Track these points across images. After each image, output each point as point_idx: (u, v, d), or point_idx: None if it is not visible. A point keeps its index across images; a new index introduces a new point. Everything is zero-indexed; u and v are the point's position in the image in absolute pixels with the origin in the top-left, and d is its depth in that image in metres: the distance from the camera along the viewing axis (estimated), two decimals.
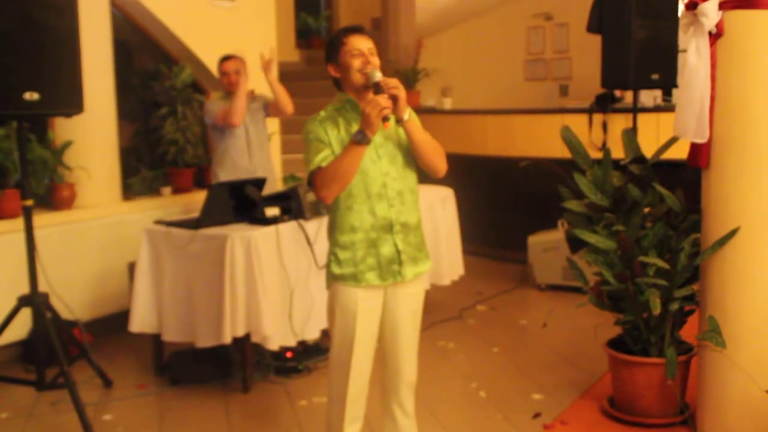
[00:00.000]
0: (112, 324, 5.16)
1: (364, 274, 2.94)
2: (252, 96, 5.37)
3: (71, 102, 3.83)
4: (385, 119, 2.74)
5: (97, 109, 5.40)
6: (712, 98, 3.45)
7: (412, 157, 2.99)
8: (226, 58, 5.31)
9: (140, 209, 5.67)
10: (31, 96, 3.65)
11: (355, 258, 2.94)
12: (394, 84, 2.80)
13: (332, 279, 3.00)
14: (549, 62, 10.01)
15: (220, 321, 4.18)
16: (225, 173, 5.19)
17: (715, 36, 3.44)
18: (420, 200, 3.11)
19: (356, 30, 2.93)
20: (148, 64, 6.49)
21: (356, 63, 2.87)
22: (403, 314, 3.06)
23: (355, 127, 2.88)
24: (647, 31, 6.14)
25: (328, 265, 3.03)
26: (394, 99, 2.78)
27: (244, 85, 5.19)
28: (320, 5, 11.18)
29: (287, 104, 5.34)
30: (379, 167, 2.92)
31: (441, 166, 3.01)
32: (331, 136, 2.89)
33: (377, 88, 2.78)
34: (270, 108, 5.42)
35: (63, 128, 5.32)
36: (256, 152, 5.31)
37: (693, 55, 3.48)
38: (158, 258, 4.49)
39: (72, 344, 4.38)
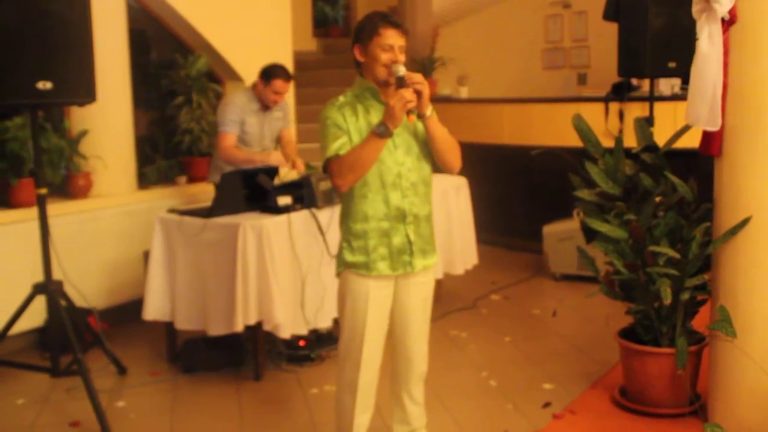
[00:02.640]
0: (128, 312, 5.20)
1: (376, 263, 2.96)
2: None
3: (83, 91, 3.86)
4: (409, 112, 2.76)
5: (113, 99, 5.45)
6: (725, 86, 3.42)
7: (427, 149, 3.01)
8: (286, 77, 5.10)
9: (155, 198, 5.71)
10: (44, 85, 3.67)
11: (368, 247, 2.95)
12: (419, 80, 2.82)
13: (343, 266, 3.02)
14: (567, 51, 9.93)
15: (232, 309, 4.20)
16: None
17: (728, 23, 3.40)
18: (434, 189, 3.13)
19: (394, 24, 2.89)
20: (165, 53, 6.52)
21: (384, 57, 2.86)
22: (414, 303, 3.09)
23: (374, 115, 2.90)
24: (664, 19, 6.07)
25: (339, 252, 3.05)
26: (418, 94, 2.80)
27: (269, 157, 5.06)
28: None
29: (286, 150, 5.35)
30: (395, 157, 2.93)
31: (456, 163, 3.04)
32: (349, 123, 2.89)
33: (401, 83, 2.79)
34: (283, 130, 5.39)
35: (79, 117, 5.36)
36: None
37: (705, 42, 3.44)
38: (171, 246, 4.51)
39: (87, 332, 4.42)
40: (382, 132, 2.78)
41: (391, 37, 2.87)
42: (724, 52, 3.41)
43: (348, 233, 3.00)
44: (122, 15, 5.57)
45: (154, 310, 4.52)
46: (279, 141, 5.36)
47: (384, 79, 2.89)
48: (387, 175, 2.92)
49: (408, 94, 2.75)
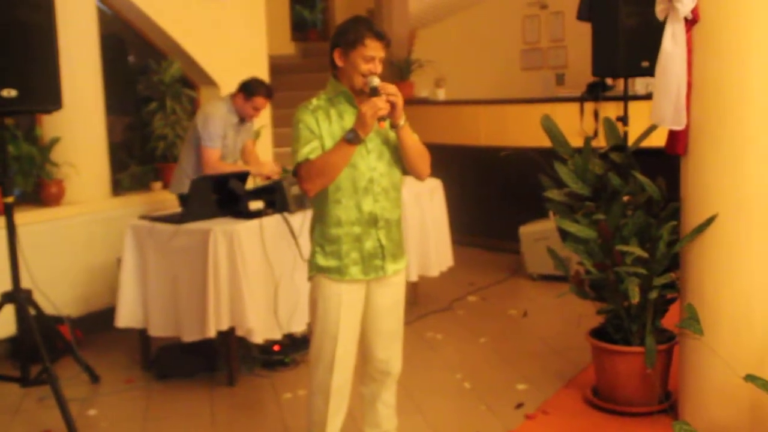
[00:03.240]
0: (102, 320, 5.15)
1: (348, 268, 2.98)
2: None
3: (50, 98, 3.84)
4: (380, 119, 2.78)
5: (85, 105, 5.43)
6: (689, 85, 3.43)
7: (398, 154, 3.02)
8: (268, 94, 5.10)
9: (129, 205, 5.69)
10: (8, 93, 3.65)
11: (340, 251, 2.97)
12: (393, 91, 2.83)
13: (316, 270, 3.03)
14: (545, 51, 9.97)
15: (204, 315, 4.19)
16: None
17: (691, 22, 3.41)
18: (408, 192, 3.14)
19: (379, 36, 2.89)
20: (140, 58, 6.50)
21: (364, 68, 2.87)
22: (385, 306, 3.10)
23: (347, 120, 2.90)
24: (636, 19, 6.09)
25: (311, 257, 3.05)
26: (392, 105, 2.82)
27: (263, 168, 5.13)
28: None
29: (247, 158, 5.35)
30: (368, 162, 2.94)
31: (426, 171, 3.07)
32: (322, 127, 2.90)
33: (374, 93, 2.80)
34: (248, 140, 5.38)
35: (51, 124, 5.33)
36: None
37: (669, 42, 3.46)
38: (143, 253, 4.49)
39: (59, 340, 4.39)
40: (352, 139, 2.79)
41: (375, 49, 2.88)
42: (688, 52, 3.42)
43: (321, 238, 3.01)
44: (93, 21, 5.54)
45: (126, 317, 4.50)
46: (242, 151, 5.33)
47: (360, 88, 2.90)
48: (360, 181, 2.93)
49: (380, 102, 2.77)
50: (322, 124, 2.90)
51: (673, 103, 3.45)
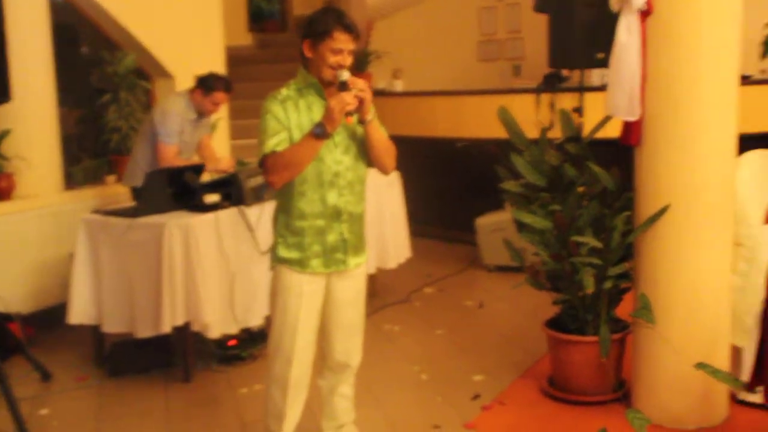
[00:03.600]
0: (55, 316, 5.05)
1: (310, 260, 2.98)
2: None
3: None
4: (347, 114, 2.77)
5: (36, 97, 5.33)
6: (643, 76, 3.46)
7: (364, 148, 3.01)
8: (227, 88, 5.01)
9: (82, 199, 5.58)
10: None
11: (303, 243, 2.97)
12: (362, 86, 2.83)
13: (277, 261, 3.03)
14: (502, 42, 9.98)
15: (159, 310, 4.13)
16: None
17: (644, 13, 3.44)
18: (366, 184, 3.13)
19: (347, 28, 2.87)
20: (93, 49, 6.38)
21: (333, 60, 2.85)
22: (346, 299, 3.11)
23: (316, 112, 2.90)
24: (592, 11, 6.14)
25: (274, 247, 3.05)
26: (360, 100, 2.81)
27: (218, 163, 5.08)
28: None
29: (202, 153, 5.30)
30: (334, 156, 2.94)
31: (391, 166, 3.08)
32: (291, 118, 2.89)
33: (343, 87, 2.80)
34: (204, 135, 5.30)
35: (0, 117, 5.21)
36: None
37: (623, 33, 3.49)
38: (96, 248, 4.41)
39: (8, 338, 4.30)
40: (319, 133, 2.79)
41: (343, 41, 2.86)
42: (642, 43, 3.45)
43: (284, 229, 3.01)
44: (44, 11, 5.43)
45: (79, 313, 4.42)
46: (198, 147, 5.26)
47: (329, 80, 2.89)
48: (325, 174, 2.92)
49: (348, 97, 2.77)
50: (291, 115, 2.89)
51: (628, 94, 3.48)
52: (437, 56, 10.00)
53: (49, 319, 5.07)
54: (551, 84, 6.81)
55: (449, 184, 7.45)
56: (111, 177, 5.98)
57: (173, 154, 4.90)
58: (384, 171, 3.07)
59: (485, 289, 5.92)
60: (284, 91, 2.93)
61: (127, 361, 4.46)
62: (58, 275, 5.17)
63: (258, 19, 10.52)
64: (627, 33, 3.48)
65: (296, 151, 2.83)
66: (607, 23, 6.13)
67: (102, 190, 5.84)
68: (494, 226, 6.32)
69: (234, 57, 7.45)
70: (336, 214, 2.96)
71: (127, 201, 5.38)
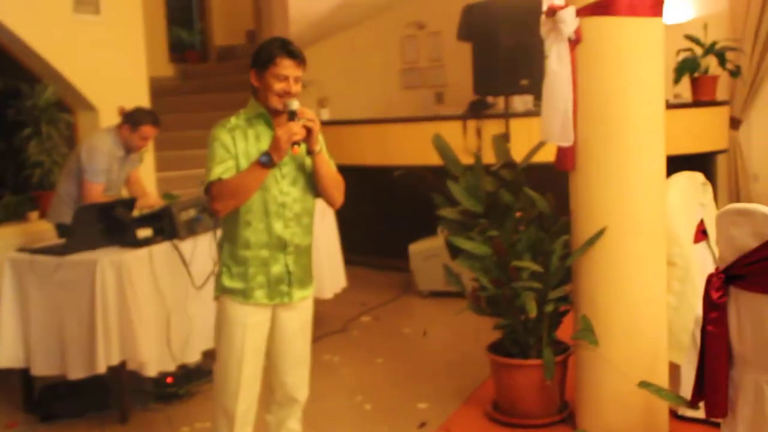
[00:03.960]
0: None
1: (254, 291, 2.95)
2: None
3: None
4: (294, 144, 2.76)
5: None
6: (575, 103, 3.55)
7: (313, 181, 3.00)
8: (155, 122, 4.93)
9: (4, 237, 5.37)
10: None
11: (247, 274, 2.94)
12: (310, 117, 2.82)
13: (221, 291, 2.99)
14: (424, 71, 10.10)
15: (93, 350, 4.00)
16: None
17: (574, 42, 3.53)
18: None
19: (291, 54, 2.86)
20: (6, 82, 6.18)
21: (278, 87, 2.84)
22: (291, 331, 3.07)
23: (263, 141, 2.88)
24: (514, 38, 6.30)
25: (218, 276, 3.01)
26: (308, 130, 2.80)
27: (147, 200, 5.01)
28: (193, 18, 10.97)
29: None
30: (281, 187, 2.92)
31: (339, 199, 3.07)
32: (238, 148, 2.87)
33: (292, 117, 2.79)
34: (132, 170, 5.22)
35: None
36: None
37: (554, 61, 3.57)
38: (23, 288, 4.24)
39: None
40: (265, 162, 2.77)
41: (287, 68, 2.85)
42: (573, 71, 3.54)
43: (228, 258, 2.97)
44: None
45: (6, 357, 4.21)
46: (127, 182, 5.15)
47: (276, 108, 2.87)
48: (271, 204, 2.90)
49: (296, 127, 2.76)
50: (239, 144, 2.87)
51: (561, 120, 3.56)
52: (361, 84, 10.06)
53: None
54: (477, 111, 6.92)
55: (378, 212, 7.47)
56: (33, 213, 5.78)
57: (99, 192, 4.79)
58: (332, 204, 3.07)
59: (421, 316, 5.95)
60: (233, 120, 2.92)
61: (60, 405, 4.28)
62: None
63: (178, 49, 10.40)
64: (558, 61, 3.56)
65: (242, 179, 2.81)
66: (530, 51, 6.38)
67: (25, 227, 5.64)
68: (427, 252, 6.36)
69: (156, 88, 7.34)
70: (281, 246, 2.93)
71: (51, 238, 5.20)
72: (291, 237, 2.94)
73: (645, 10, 3.48)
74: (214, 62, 10.57)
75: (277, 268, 2.95)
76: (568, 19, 3.48)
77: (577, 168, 3.61)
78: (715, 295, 2.52)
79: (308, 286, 3.09)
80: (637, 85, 3.50)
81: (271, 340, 3.03)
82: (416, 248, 6.50)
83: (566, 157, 3.62)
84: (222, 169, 2.82)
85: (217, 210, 2.86)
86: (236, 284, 2.94)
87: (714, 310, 2.53)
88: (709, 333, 2.55)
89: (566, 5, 3.50)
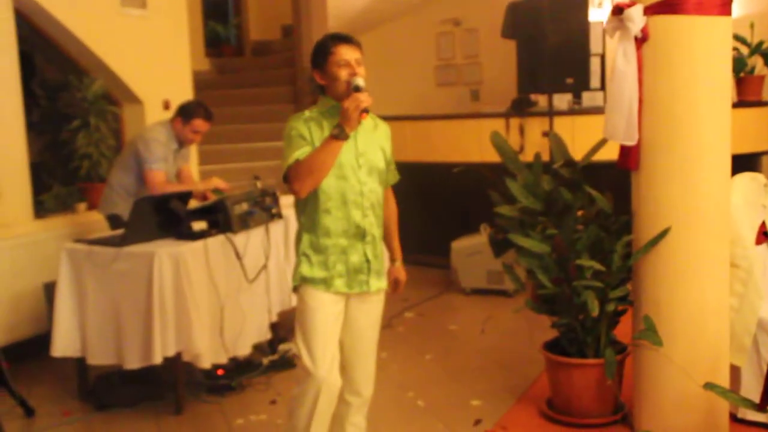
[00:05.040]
0: (29, 349, 4.92)
1: (334, 279, 2.98)
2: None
3: None
4: (363, 111, 2.78)
5: (5, 123, 5.17)
6: (640, 101, 3.52)
7: (384, 177, 3.08)
8: (207, 116, 4.96)
9: (54, 227, 5.43)
10: None
11: (327, 262, 2.98)
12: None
13: (301, 280, 3.01)
14: (459, 67, 10.09)
15: (149, 341, 4.03)
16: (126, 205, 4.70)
17: (640, 40, 3.51)
18: None
19: (344, 39, 2.93)
20: (54, 75, 6.23)
21: (343, 73, 2.90)
22: (364, 324, 3.10)
23: None
24: (560, 36, 6.27)
25: (297, 266, 3.04)
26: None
27: (209, 182, 5.04)
28: (229, 13, 11.00)
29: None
30: (359, 176, 2.97)
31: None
32: (314, 135, 2.92)
33: (357, 91, 2.82)
34: (183, 165, 5.24)
35: None
36: None
37: (621, 59, 3.54)
38: (80, 278, 4.28)
39: None
40: (338, 134, 2.79)
41: (346, 52, 2.91)
42: (639, 69, 3.51)
43: (308, 247, 3.00)
44: (11, 36, 5.28)
45: (63, 346, 4.27)
46: (178, 176, 5.18)
47: (346, 93, 2.88)
48: (349, 193, 2.95)
49: (362, 95, 2.78)
50: (315, 133, 2.92)
51: (626, 119, 3.53)
52: (396, 81, 10.05)
53: (22, 352, 4.91)
54: (520, 108, 6.90)
55: (419, 209, 7.45)
56: (81, 204, 5.82)
57: (162, 179, 4.84)
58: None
59: (465, 313, 5.94)
60: (307, 113, 2.98)
61: (114, 394, 4.32)
62: (33, 306, 5.02)
63: (214, 43, 10.42)
64: (624, 60, 3.54)
65: (317, 154, 2.83)
66: (575, 48, 6.36)
67: (73, 218, 5.68)
68: (470, 250, 6.35)
69: (194, 82, 7.38)
70: (360, 234, 2.98)
71: (100, 228, 5.26)
72: (369, 227, 2.99)
73: (713, 8, 3.44)
74: (250, 57, 10.59)
75: (355, 257, 2.98)
76: (636, 18, 3.46)
77: (640, 167, 3.59)
78: None
79: (383, 276, 3.12)
80: (704, 85, 3.47)
81: (343, 332, 3.05)
82: (458, 245, 6.50)
83: (630, 155, 3.60)
84: (299, 153, 2.86)
85: (296, 191, 2.89)
86: (317, 273, 2.98)
87: None
88: None
89: (633, 3, 3.48)
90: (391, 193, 3.30)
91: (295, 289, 3.06)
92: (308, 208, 2.99)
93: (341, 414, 3.19)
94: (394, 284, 3.27)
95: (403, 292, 3.36)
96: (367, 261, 3.00)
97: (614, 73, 3.56)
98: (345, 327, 3.06)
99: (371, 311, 3.10)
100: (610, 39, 3.62)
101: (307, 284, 2.99)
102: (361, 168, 2.97)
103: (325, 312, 2.97)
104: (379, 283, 3.08)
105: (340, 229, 2.95)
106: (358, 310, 3.06)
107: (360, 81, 2.85)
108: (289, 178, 2.88)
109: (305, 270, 3.00)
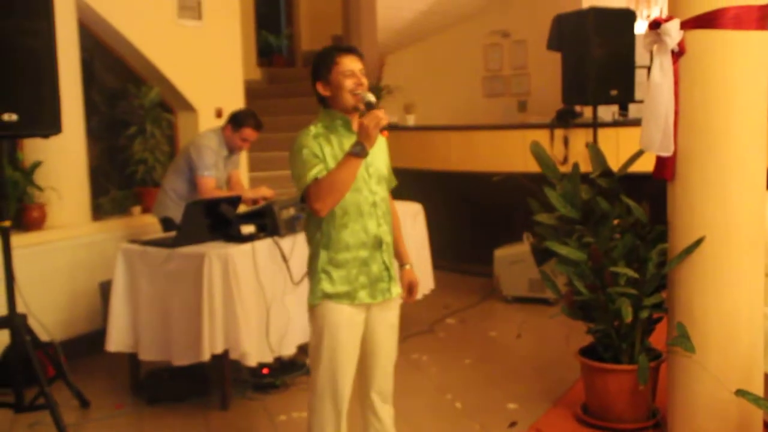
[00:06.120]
0: (85, 344, 5.15)
1: (357, 292, 3.00)
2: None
3: (49, 123, 3.87)
4: (383, 129, 2.82)
5: (66, 129, 5.37)
6: (676, 113, 3.59)
7: (386, 182, 3.14)
8: (257, 126, 5.14)
9: (110, 229, 5.68)
10: (9, 117, 3.66)
11: (350, 276, 2.99)
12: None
13: (322, 297, 2.99)
14: (507, 78, 10.20)
15: (198, 339, 4.21)
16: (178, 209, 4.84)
17: (677, 54, 3.58)
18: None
19: (349, 50, 2.99)
20: (112, 82, 6.50)
21: (348, 83, 2.93)
22: (384, 330, 3.12)
23: (346, 145, 2.94)
24: (605, 48, 6.33)
25: (315, 285, 3.02)
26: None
27: (257, 191, 5.22)
28: (281, 23, 11.26)
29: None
30: (370, 186, 3.01)
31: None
32: (326, 152, 2.93)
33: (370, 107, 2.86)
34: (232, 171, 5.43)
35: (32, 148, 5.31)
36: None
37: (657, 72, 3.62)
38: (134, 277, 4.50)
39: (50, 365, 4.36)
40: (358, 152, 2.81)
41: (350, 63, 2.95)
42: (675, 82, 3.59)
43: (327, 264, 2.99)
44: (75, 44, 5.55)
45: (117, 341, 4.49)
46: (228, 182, 5.38)
47: (353, 106, 2.96)
48: (364, 205, 2.99)
49: (380, 113, 2.81)
50: (325, 149, 2.94)
51: (662, 130, 3.60)
52: (443, 91, 10.21)
53: (79, 347, 5.14)
54: (565, 119, 6.97)
55: (462, 217, 7.57)
56: (137, 208, 6.07)
57: (212, 186, 5.04)
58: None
59: (506, 320, 6.02)
60: (313, 129, 2.99)
61: (163, 389, 4.51)
62: (89, 304, 5.26)
63: (266, 53, 10.69)
64: (661, 73, 3.61)
65: (337, 173, 2.84)
66: (620, 61, 6.41)
67: (129, 220, 5.93)
68: (512, 258, 6.43)
69: (246, 91, 7.60)
70: (377, 244, 3.01)
71: (154, 231, 5.48)
72: (384, 235, 3.04)
73: (751, 23, 3.50)
74: (301, 67, 10.83)
75: (376, 267, 3.01)
76: (673, 32, 3.53)
77: (676, 177, 3.65)
78: None
79: (397, 281, 3.15)
80: (740, 97, 3.52)
81: (363, 340, 3.07)
82: (501, 253, 6.59)
83: (666, 166, 3.67)
84: (316, 171, 2.87)
85: (317, 210, 2.87)
86: (340, 288, 2.98)
87: None
88: None
89: (670, 18, 3.56)
90: (390, 197, 3.26)
91: (311, 310, 3.04)
92: (324, 225, 2.98)
93: (366, 412, 3.20)
94: (408, 288, 3.25)
95: (416, 298, 3.33)
96: (387, 269, 3.04)
97: (651, 85, 3.63)
98: (366, 336, 3.07)
99: (391, 317, 3.13)
100: (647, 52, 3.69)
101: (330, 301, 2.98)
102: (371, 178, 3.02)
103: (351, 327, 2.99)
104: (398, 289, 3.13)
105: (359, 241, 2.98)
106: (379, 318, 3.08)
107: (371, 96, 2.88)
108: (309, 197, 2.87)
109: (327, 287, 2.98)
